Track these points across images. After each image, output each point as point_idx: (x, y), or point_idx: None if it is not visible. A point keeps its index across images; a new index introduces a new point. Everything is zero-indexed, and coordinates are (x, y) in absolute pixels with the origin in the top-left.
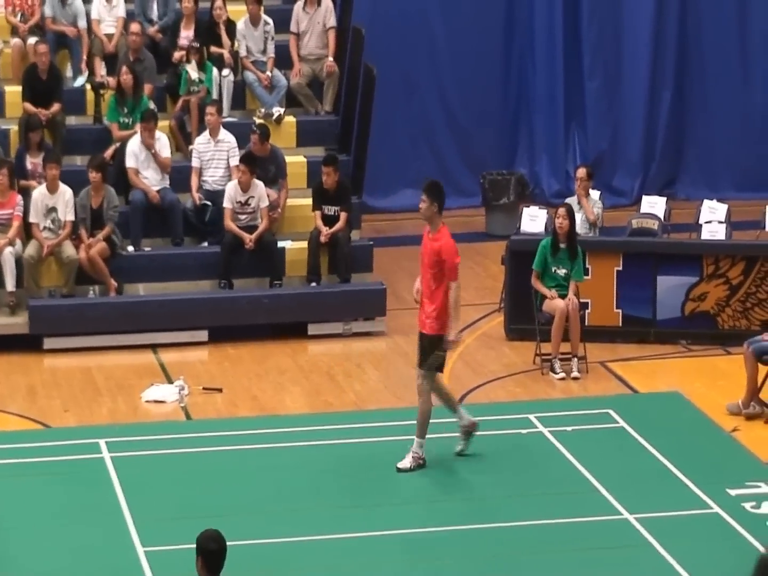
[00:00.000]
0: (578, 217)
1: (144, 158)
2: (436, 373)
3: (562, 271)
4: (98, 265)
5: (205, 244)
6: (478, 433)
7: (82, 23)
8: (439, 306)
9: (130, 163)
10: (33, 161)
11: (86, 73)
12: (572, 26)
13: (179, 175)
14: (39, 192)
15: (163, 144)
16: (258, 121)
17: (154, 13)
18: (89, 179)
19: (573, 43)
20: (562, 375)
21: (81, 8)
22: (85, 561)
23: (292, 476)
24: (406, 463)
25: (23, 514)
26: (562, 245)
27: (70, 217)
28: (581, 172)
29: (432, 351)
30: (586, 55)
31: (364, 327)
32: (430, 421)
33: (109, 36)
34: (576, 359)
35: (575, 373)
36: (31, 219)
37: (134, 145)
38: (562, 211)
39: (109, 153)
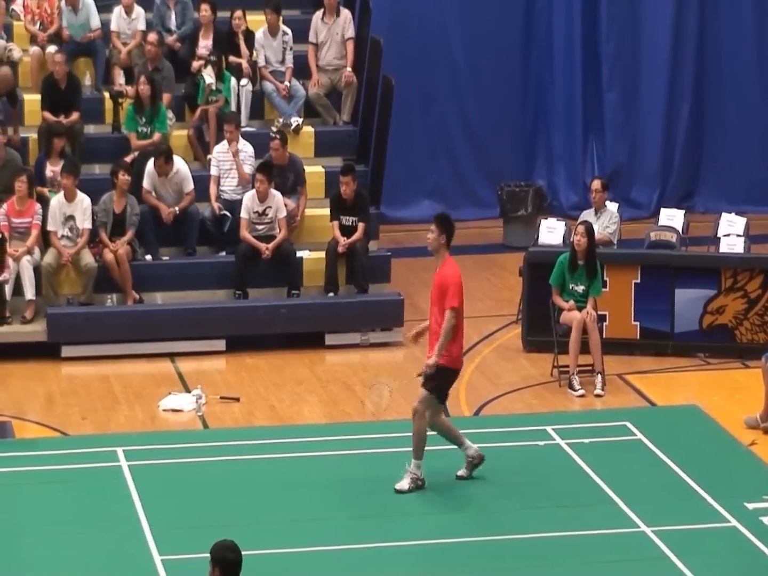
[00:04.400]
0: (596, 228)
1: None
2: (440, 405)
3: (580, 288)
4: (124, 267)
5: (223, 253)
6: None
7: (96, 23)
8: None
9: (146, 184)
10: (53, 169)
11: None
12: (590, 38)
13: (197, 184)
14: (57, 200)
15: (182, 175)
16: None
17: (173, 23)
18: (116, 183)
19: (591, 55)
20: (582, 392)
21: (94, 12)
22: (102, 569)
23: (309, 486)
24: (404, 484)
25: (40, 521)
26: (580, 262)
27: (88, 225)
28: (596, 184)
29: (442, 381)
30: (604, 67)
31: (382, 337)
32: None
33: (126, 44)
34: (600, 376)
35: (598, 390)
36: (50, 227)
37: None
38: (580, 229)
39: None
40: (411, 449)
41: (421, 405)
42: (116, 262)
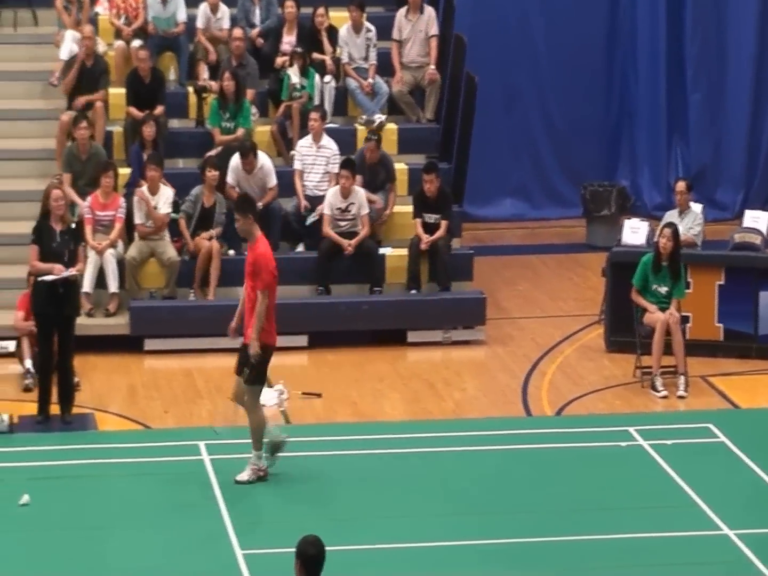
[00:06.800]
0: (680, 229)
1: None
2: (261, 386)
3: (663, 289)
4: (216, 261)
5: (301, 248)
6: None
7: (182, 17)
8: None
9: (230, 179)
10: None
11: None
12: (675, 38)
13: (280, 180)
14: (140, 193)
15: (266, 171)
16: (359, 127)
17: (257, 18)
18: (204, 179)
19: (676, 55)
20: (665, 393)
21: (182, 6)
22: (183, 562)
23: (390, 483)
24: (245, 476)
25: (122, 514)
26: (664, 263)
27: (166, 210)
28: (680, 185)
29: (253, 363)
30: (689, 67)
31: (464, 335)
32: None
33: (213, 40)
34: (683, 378)
35: (681, 392)
36: (136, 220)
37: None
38: (666, 231)
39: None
40: (254, 441)
41: (249, 398)
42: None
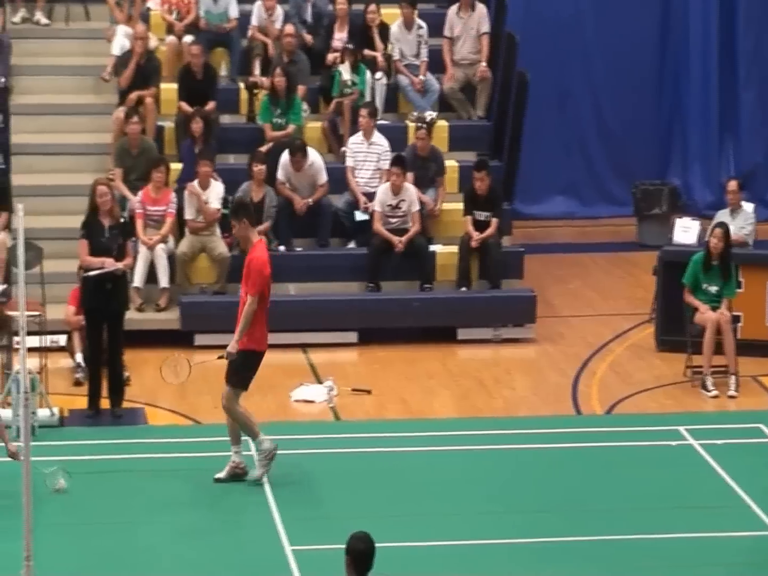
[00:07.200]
0: (731, 229)
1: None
2: (243, 391)
3: (713, 288)
4: None
5: (352, 245)
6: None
7: (234, 13)
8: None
9: (280, 175)
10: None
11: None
12: (727, 36)
13: (330, 176)
14: (191, 188)
15: (316, 168)
16: (410, 125)
17: (309, 15)
18: (252, 174)
19: (728, 53)
20: (715, 393)
21: (234, 1)
22: (233, 557)
23: (440, 480)
24: (223, 474)
25: (171, 508)
26: (715, 263)
27: (217, 205)
28: (732, 184)
29: (244, 367)
30: (741, 65)
31: (514, 333)
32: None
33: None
34: (734, 377)
35: (732, 392)
36: (187, 215)
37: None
38: (718, 231)
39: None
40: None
41: (227, 402)
42: None
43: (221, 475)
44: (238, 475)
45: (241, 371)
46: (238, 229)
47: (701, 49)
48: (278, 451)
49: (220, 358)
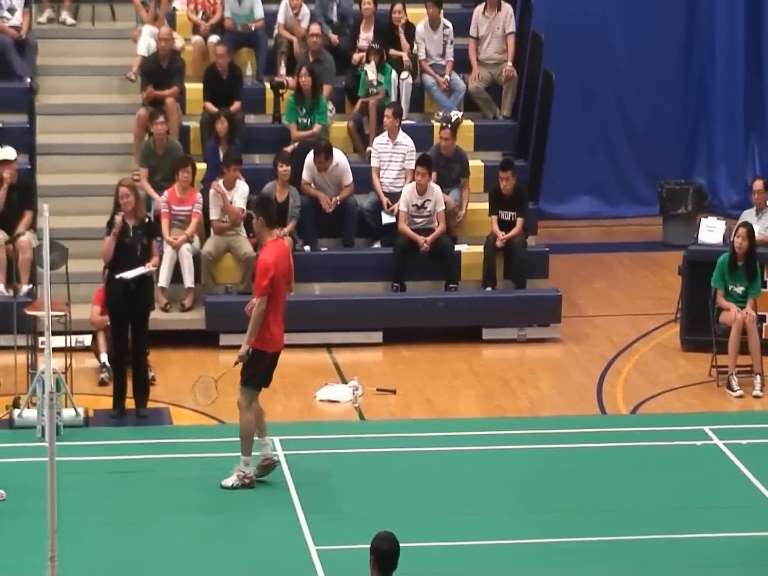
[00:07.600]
0: (756, 228)
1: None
2: (256, 391)
3: (739, 289)
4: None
5: (378, 245)
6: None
7: (259, 13)
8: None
9: (305, 175)
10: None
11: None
12: (753, 35)
13: (355, 176)
14: (217, 187)
15: (342, 168)
16: (435, 124)
17: (335, 14)
18: (277, 174)
19: (754, 52)
20: (740, 393)
21: (258, 2)
22: (257, 557)
23: (465, 480)
24: (229, 481)
25: (196, 508)
26: (740, 263)
27: (241, 205)
28: (758, 184)
29: (256, 367)
30: (767, 65)
31: (539, 333)
32: None
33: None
34: (759, 377)
35: (757, 392)
36: (212, 216)
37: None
38: (742, 231)
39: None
40: (242, 446)
41: (240, 401)
42: None
43: (227, 482)
44: (267, 468)
45: (247, 369)
46: (255, 223)
47: (727, 48)
48: (305, 452)
49: (236, 365)
